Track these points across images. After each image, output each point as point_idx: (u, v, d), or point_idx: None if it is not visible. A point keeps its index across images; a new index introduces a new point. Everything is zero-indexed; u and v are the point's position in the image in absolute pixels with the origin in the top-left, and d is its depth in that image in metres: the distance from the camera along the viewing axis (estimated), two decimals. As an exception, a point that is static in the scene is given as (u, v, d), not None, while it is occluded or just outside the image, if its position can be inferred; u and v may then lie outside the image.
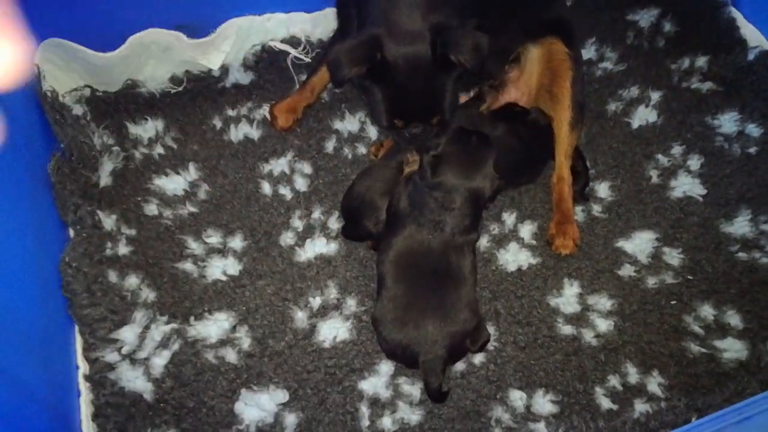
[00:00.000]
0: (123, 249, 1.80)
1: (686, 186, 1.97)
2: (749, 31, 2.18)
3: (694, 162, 2.02)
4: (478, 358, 1.70)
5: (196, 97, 2.09)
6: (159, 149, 1.98)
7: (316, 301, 1.77)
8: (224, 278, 1.79)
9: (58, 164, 1.76)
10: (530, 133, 1.89)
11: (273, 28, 2.11)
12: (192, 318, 1.72)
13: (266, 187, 1.94)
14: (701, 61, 2.20)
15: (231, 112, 2.07)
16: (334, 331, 1.73)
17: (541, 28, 1.94)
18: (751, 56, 2.14)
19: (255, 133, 2.04)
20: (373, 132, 2.06)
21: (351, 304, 1.77)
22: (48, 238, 1.67)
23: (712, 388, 1.63)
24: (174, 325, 1.68)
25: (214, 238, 1.85)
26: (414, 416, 1.62)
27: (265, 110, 2.06)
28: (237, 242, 1.85)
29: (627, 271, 1.84)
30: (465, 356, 1.67)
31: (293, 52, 2.13)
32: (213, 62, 2.05)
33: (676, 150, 2.04)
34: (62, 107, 1.85)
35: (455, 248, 1.62)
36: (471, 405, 1.64)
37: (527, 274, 1.83)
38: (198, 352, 1.67)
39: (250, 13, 2.06)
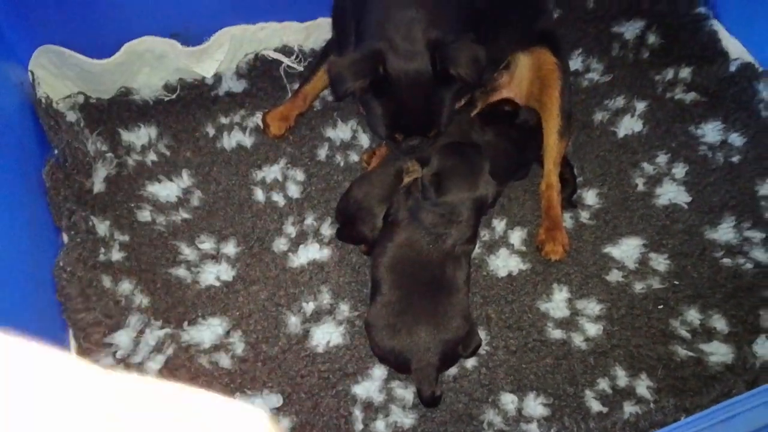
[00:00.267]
0: (116, 255, 1.80)
1: (671, 193, 2.02)
2: (731, 44, 2.24)
3: (679, 170, 2.06)
4: (470, 363, 1.72)
5: (190, 104, 2.10)
6: (152, 156, 1.99)
7: (309, 307, 1.78)
8: (217, 284, 1.80)
9: (53, 170, 1.77)
10: (520, 134, 1.92)
11: (266, 37, 2.13)
12: (185, 323, 1.73)
13: (259, 194, 1.96)
14: (685, 73, 2.26)
15: (224, 120, 2.09)
16: (327, 335, 1.74)
17: (531, 38, 1.99)
18: (732, 68, 2.19)
19: (248, 141, 2.05)
20: (365, 140, 2.08)
21: (344, 309, 1.78)
22: (42, 243, 1.68)
23: (699, 389, 1.66)
24: (168, 330, 1.69)
25: (207, 244, 1.86)
26: (407, 420, 1.63)
27: (257, 118, 2.08)
28: (230, 248, 1.86)
29: (615, 276, 1.87)
30: (457, 362, 1.69)
31: (286, 61, 2.16)
32: (206, 70, 2.07)
33: (661, 158, 2.09)
34: (56, 113, 1.86)
35: (453, 258, 1.64)
36: (463, 408, 1.66)
37: (517, 279, 1.86)
38: (192, 357, 1.68)
39: (244, 22, 2.08)
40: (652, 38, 2.34)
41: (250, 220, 1.91)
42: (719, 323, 1.80)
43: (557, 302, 1.82)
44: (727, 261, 1.90)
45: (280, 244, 1.87)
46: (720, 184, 2.04)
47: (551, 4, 2.21)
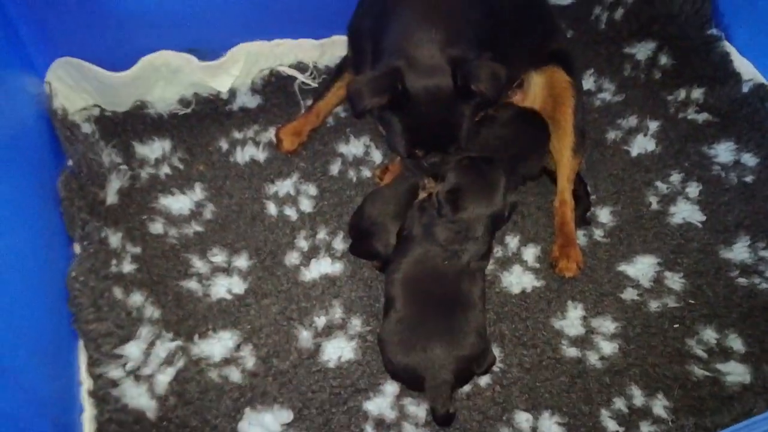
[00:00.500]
0: (127, 267, 1.80)
1: (685, 212, 2.01)
2: (743, 65, 2.25)
3: (693, 189, 2.05)
4: (484, 380, 1.70)
5: (204, 119, 2.11)
6: (165, 169, 2.00)
7: (320, 321, 1.76)
8: (229, 297, 1.79)
9: (67, 180, 1.77)
10: (513, 124, 1.91)
11: (282, 53, 2.15)
12: (196, 336, 1.71)
13: (272, 208, 1.95)
14: (697, 93, 2.26)
15: (237, 135, 2.10)
16: (339, 350, 1.72)
17: (543, 58, 2.00)
18: (745, 89, 2.19)
19: (261, 156, 2.06)
20: (377, 155, 2.09)
21: (356, 323, 1.77)
22: (54, 253, 1.67)
23: (718, 409, 1.63)
24: (179, 343, 1.67)
25: (219, 257, 1.85)
26: (420, 437, 1.61)
27: (271, 133, 2.09)
28: (242, 261, 1.85)
29: (630, 294, 1.85)
30: (472, 380, 1.67)
31: (300, 77, 2.17)
32: (222, 85, 2.08)
33: (675, 177, 2.08)
34: (72, 125, 1.87)
35: (469, 275, 1.63)
36: (477, 427, 1.63)
37: (531, 296, 1.84)
38: (202, 371, 1.66)
39: (260, 38, 2.10)
40: (663, 59, 2.35)
41: (263, 234, 1.90)
42: (736, 343, 1.77)
43: (572, 320, 1.80)
44: (742, 280, 1.89)
45: (292, 258, 1.86)
46: (734, 204, 2.03)
47: (562, 27, 2.24)
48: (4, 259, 1.39)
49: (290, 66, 2.18)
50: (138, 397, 1.57)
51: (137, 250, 1.84)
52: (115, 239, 1.82)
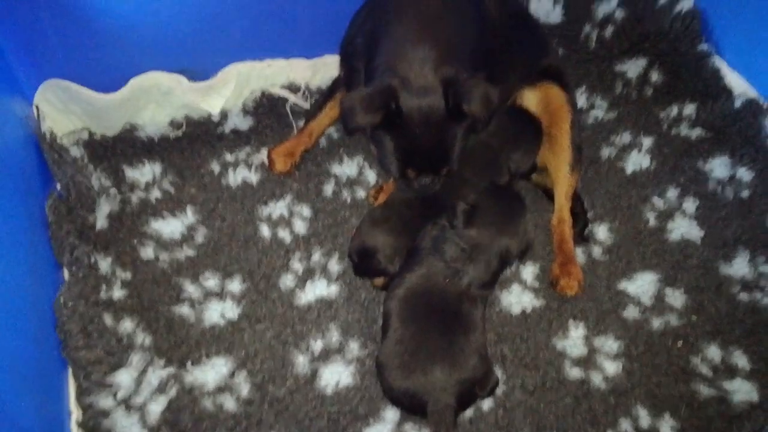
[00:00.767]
0: (118, 292, 1.75)
1: (683, 228, 1.99)
2: (734, 80, 2.26)
3: (690, 205, 2.04)
4: (487, 403, 1.65)
5: (195, 141, 2.08)
6: (156, 193, 1.96)
7: (317, 345, 1.72)
8: (222, 322, 1.74)
9: (56, 204, 1.73)
10: (500, 117, 1.88)
11: (273, 74, 2.13)
12: (189, 363, 1.66)
13: (265, 230, 1.92)
14: (689, 109, 2.26)
15: (229, 157, 2.06)
16: (336, 375, 1.67)
17: (536, 74, 2.00)
18: (737, 103, 2.20)
19: (253, 177, 2.02)
20: (371, 176, 2.06)
21: (353, 347, 1.72)
22: (42, 278, 1.62)
23: (726, 429, 1.59)
24: (171, 370, 1.62)
25: (211, 281, 1.81)
26: (422, 464, 1.55)
27: (263, 155, 2.06)
28: (235, 285, 1.81)
29: (631, 312, 1.82)
30: (474, 403, 1.62)
31: (292, 98, 2.15)
32: (213, 106, 2.05)
33: (671, 193, 2.07)
34: (60, 148, 1.83)
35: (469, 298, 1.60)
36: (481, 452, 1.59)
37: (532, 316, 1.81)
38: (195, 399, 1.61)
39: (251, 59, 2.08)
40: (655, 76, 2.36)
41: (256, 257, 1.86)
42: (741, 360, 1.74)
43: (574, 339, 1.77)
44: (744, 296, 1.86)
45: (287, 281, 1.82)
46: (732, 219, 2.02)
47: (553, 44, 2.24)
48: (-10, 286, 1.34)
49: (282, 86, 2.16)
50: (129, 428, 1.52)
51: (127, 275, 1.79)
52: (104, 264, 1.78)
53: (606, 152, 2.17)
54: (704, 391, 1.69)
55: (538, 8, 2.37)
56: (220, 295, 1.79)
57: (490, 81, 1.57)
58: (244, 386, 1.65)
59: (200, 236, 1.89)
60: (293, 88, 2.17)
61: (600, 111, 2.29)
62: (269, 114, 2.15)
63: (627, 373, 1.72)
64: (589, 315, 1.82)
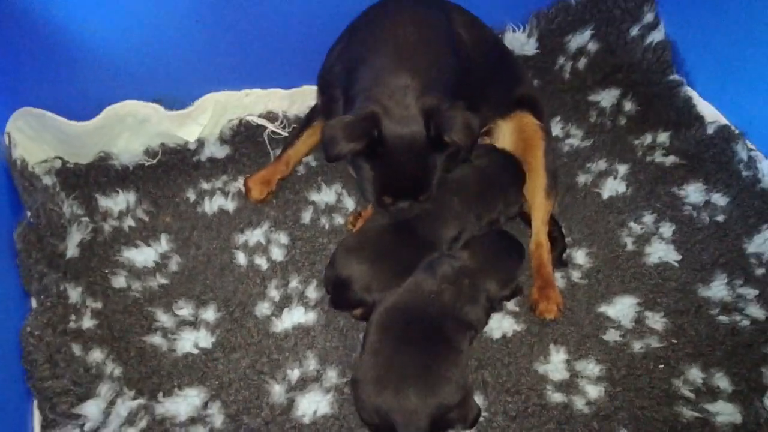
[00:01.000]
0: (87, 322, 1.70)
1: (661, 252, 1.99)
2: (705, 108, 2.31)
3: (666, 229, 2.05)
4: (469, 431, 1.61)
5: (171, 170, 2.06)
6: (129, 221, 1.93)
7: (294, 374, 1.67)
8: (195, 351, 1.70)
9: (25, 232, 1.69)
10: (486, 158, 1.91)
11: (251, 103, 2.14)
12: (160, 394, 1.60)
13: (241, 258, 1.89)
14: (663, 137, 2.30)
15: (206, 185, 2.05)
16: (314, 405, 1.63)
17: (511, 105, 2.02)
18: (710, 130, 2.24)
19: (230, 205, 2.00)
20: (350, 203, 2.05)
21: (332, 375, 1.68)
22: (8, 307, 1.57)
23: (711, 451, 1.57)
24: (141, 401, 1.56)
25: (185, 310, 1.76)
26: (402, 495, 1.50)
27: (240, 183, 2.04)
28: (210, 314, 1.76)
29: (612, 335, 1.81)
30: (451, 429, 1.58)
31: (270, 126, 2.15)
32: (189, 134, 2.05)
33: (648, 218, 2.08)
34: (32, 176, 1.80)
35: (456, 321, 1.59)
36: (463, 481, 1.54)
37: (512, 341, 1.78)
38: (167, 430, 1.54)
39: (229, 88, 2.09)
40: (628, 105, 2.40)
41: (232, 284, 1.83)
42: (722, 382, 1.73)
43: (555, 364, 1.74)
44: (723, 318, 1.86)
45: (263, 308, 1.79)
46: (708, 242, 2.03)
47: (528, 73, 2.28)
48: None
49: (260, 115, 2.16)
50: (96, 462, 1.45)
51: (98, 305, 1.75)
52: (74, 294, 1.73)
53: (582, 179, 2.19)
54: (687, 413, 1.67)
55: (513, 40, 2.42)
56: (194, 323, 1.74)
57: (469, 110, 1.58)
58: (217, 417, 1.59)
59: (174, 264, 1.85)
60: (271, 118, 2.18)
61: (575, 140, 2.31)
62: (246, 142, 2.15)
63: (609, 396, 1.69)
64: (570, 339, 1.79)
